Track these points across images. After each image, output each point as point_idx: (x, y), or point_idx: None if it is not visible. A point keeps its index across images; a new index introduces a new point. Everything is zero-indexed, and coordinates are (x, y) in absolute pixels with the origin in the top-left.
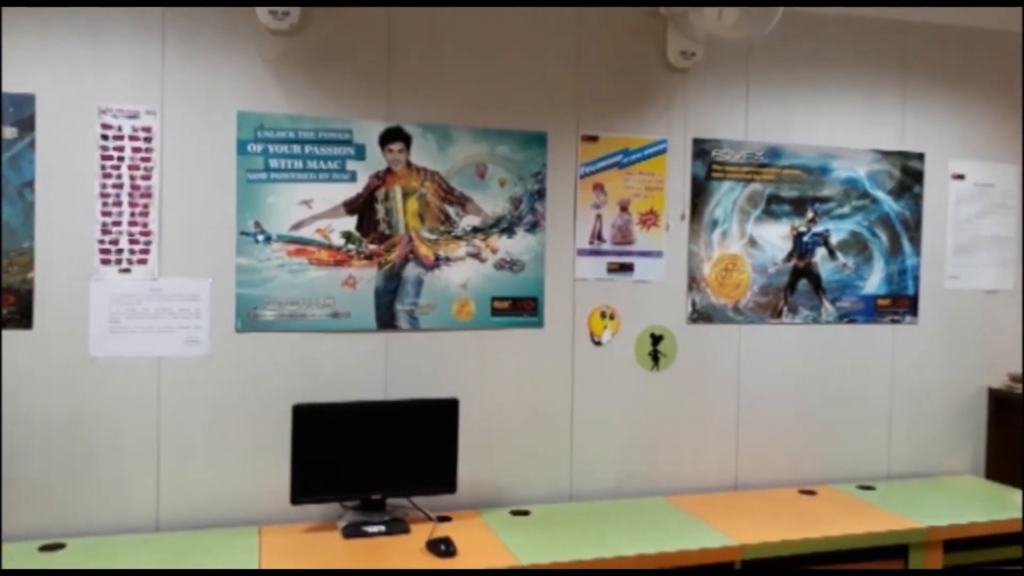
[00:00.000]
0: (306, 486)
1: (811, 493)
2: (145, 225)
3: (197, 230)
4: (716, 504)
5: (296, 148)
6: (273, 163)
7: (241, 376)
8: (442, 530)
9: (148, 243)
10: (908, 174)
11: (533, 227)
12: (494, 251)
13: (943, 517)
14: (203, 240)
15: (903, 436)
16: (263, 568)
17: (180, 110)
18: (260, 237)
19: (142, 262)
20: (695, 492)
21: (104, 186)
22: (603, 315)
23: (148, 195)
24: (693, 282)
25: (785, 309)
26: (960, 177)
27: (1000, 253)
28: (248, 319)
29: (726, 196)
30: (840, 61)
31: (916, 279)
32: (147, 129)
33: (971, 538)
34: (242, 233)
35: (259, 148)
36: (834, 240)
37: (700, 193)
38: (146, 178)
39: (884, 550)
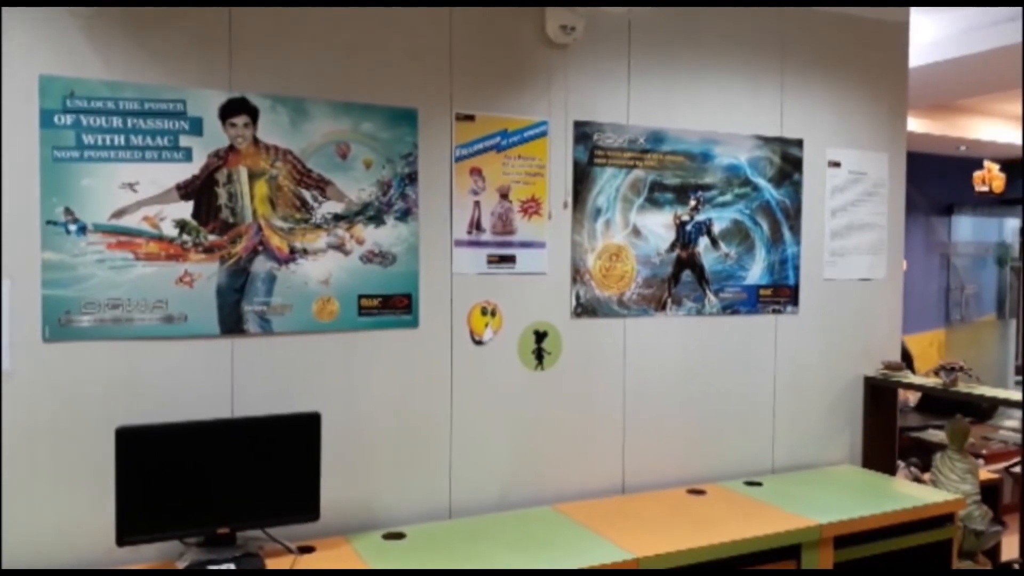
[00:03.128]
0: (135, 523)
1: (700, 492)
2: None
3: None
4: (605, 511)
5: (117, 121)
6: (88, 138)
7: (51, 395)
8: (303, 563)
9: None
10: (788, 161)
11: (405, 215)
12: (360, 242)
13: (832, 512)
14: None
15: (786, 428)
16: None
17: None
18: (72, 227)
19: None
20: (582, 498)
21: None
22: (484, 311)
23: None
24: (577, 274)
25: (669, 301)
26: (836, 164)
27: (873, 242)
28: (59, 326)
29: (609, 183)
30: (721, 43)
31: (796, 268)
32: None
33: (859, 532)
34: (49, 222)
35: (69, 120)
36: (716, 229)
37: (582, 180)
38: None
39: (777, 550)
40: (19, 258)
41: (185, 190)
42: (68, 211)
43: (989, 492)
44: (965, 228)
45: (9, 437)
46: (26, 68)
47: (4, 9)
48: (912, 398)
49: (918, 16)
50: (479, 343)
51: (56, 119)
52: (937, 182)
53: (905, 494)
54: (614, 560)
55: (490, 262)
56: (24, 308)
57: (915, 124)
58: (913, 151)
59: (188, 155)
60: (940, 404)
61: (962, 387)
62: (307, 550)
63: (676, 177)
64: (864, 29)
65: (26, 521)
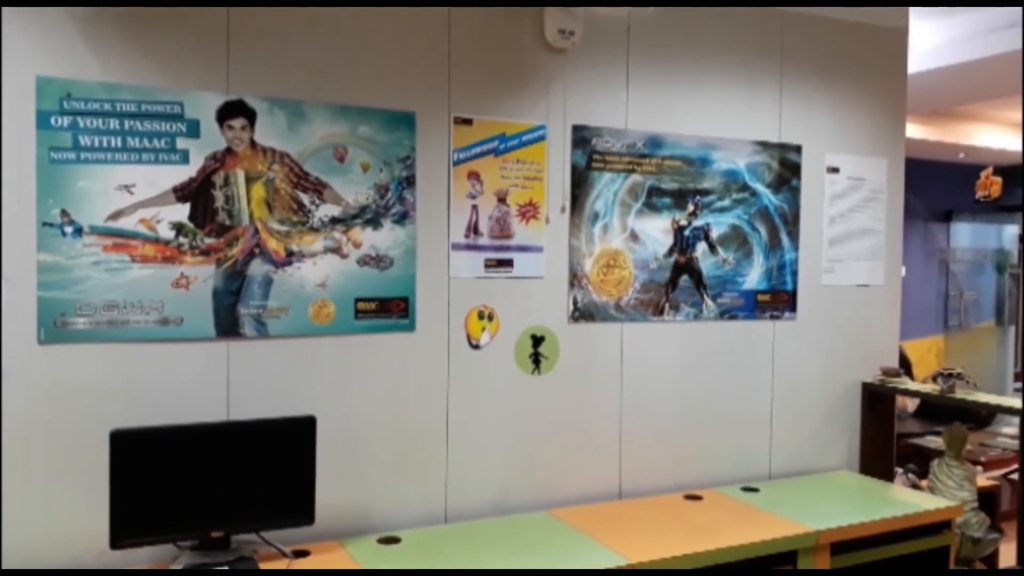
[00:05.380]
0: (130, 526)
1: (697, 498)
2: None
3: None
4: (602, 516)
5: (114, 123)
6: (84, 140)
7: (46, 397)
8: (298, 567)
9: None
10: (786, 167)
11: (402, 218)
12: (357, 245)
13: (829, 519)
14: None
15: (783, 434)
16: None
17: None
18: (68, 229)
19: None
20: (579, 503)
21: None
22: (481, 315)
23: None
24: (575, 279)
25: (667, 306)
26: (835, 170)
27: (871, 248)
28: (54, 328)
29: (607, 188)
30: (720, 48)
31: (794, 274)
32: None
33: (856, 539)
34: (45, 224)
35: (66, 121)
36: (714, 234)
37: (580, 184)
38: None
39: (774, 556)
40: (15, 260)
41: (182, 192)
42: (64, 213)
43: (987, 499)
44: (964, 234)
45: (3, 439)
46: (23, 69)
47: (2, 9)
48: (911, 404)
49: (918, 22)
50: (476, 347)
51: (53, 120)
52: (936, 188)
53: (902, 501)
54: (609, 565)
55: (487, 266)
56: (19, 310)
57: (914, 130)
58: (912, 157)
59: (185, 157)
60: (939, 410)
61: (960, 394)
62: (302, 554)
63: (674, 182)
64: (863, 35)
65: (19, 523)
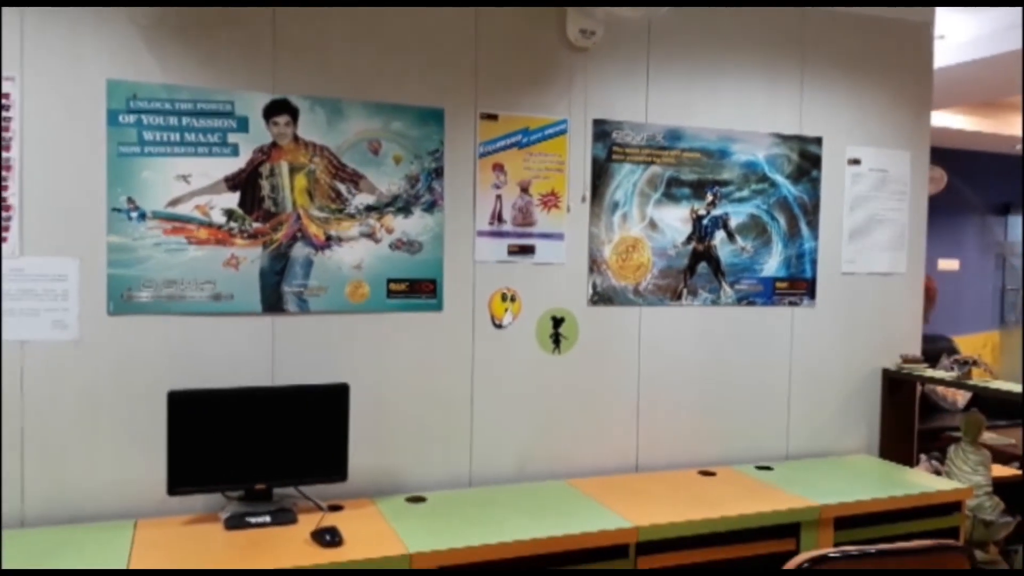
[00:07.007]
0: (184, 476)
1: (710, 474)
2: (4, 200)
3: (64, 206)
4: (616, 486)
5: (173, 120)
6: (147, 135)
7: (114, 361)
8: (332, 519)
9: (8, 219)
10: (806, 158)
11: (431, 207)
12: (389, 231)
13: (834, 495)
14: (71, 217)
15: (801, 417)
16: (131, 568)
17: (43, 77)
18: (134, 214)
19: (1, 240)
20: (596, 474)
21: None
22: (504, 297)
23: (7, 167)
24: (594, 264)
25: (685, 291)
26: (856, 162)
27: (893, 238)
28: (121, 301)
29: (626, 178)
30: (740, 44)
31: (814, 262)
32: (5, 96)
33: (860, 515)
34: (114, 209)
35: (132, 119)
36: (733, 223)
37: (601, 175)
38: (4, 149)
39: (776, 528)
40: (88, 241)
41: (232, 182)
42: (130, 200)
43: (1017, 489)
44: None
45: (75, 398)
46: (95, 73)
47: (77, 20)
48: (961, 399)
49: (957, 14)
50: (499, 327)
51: (121, 118)
52: (992, 181)
53: (912, 482)
54: (614, 527)
55: (511, 252)
56: (92, 285)
57: (967, 122)
58: (966, 149)
59: (235, 150)
60: (990, 404)
61: (975, 380)
62: (336, 508)
63: (693, 173)
64: (886, 29)
65: (88, 474)
